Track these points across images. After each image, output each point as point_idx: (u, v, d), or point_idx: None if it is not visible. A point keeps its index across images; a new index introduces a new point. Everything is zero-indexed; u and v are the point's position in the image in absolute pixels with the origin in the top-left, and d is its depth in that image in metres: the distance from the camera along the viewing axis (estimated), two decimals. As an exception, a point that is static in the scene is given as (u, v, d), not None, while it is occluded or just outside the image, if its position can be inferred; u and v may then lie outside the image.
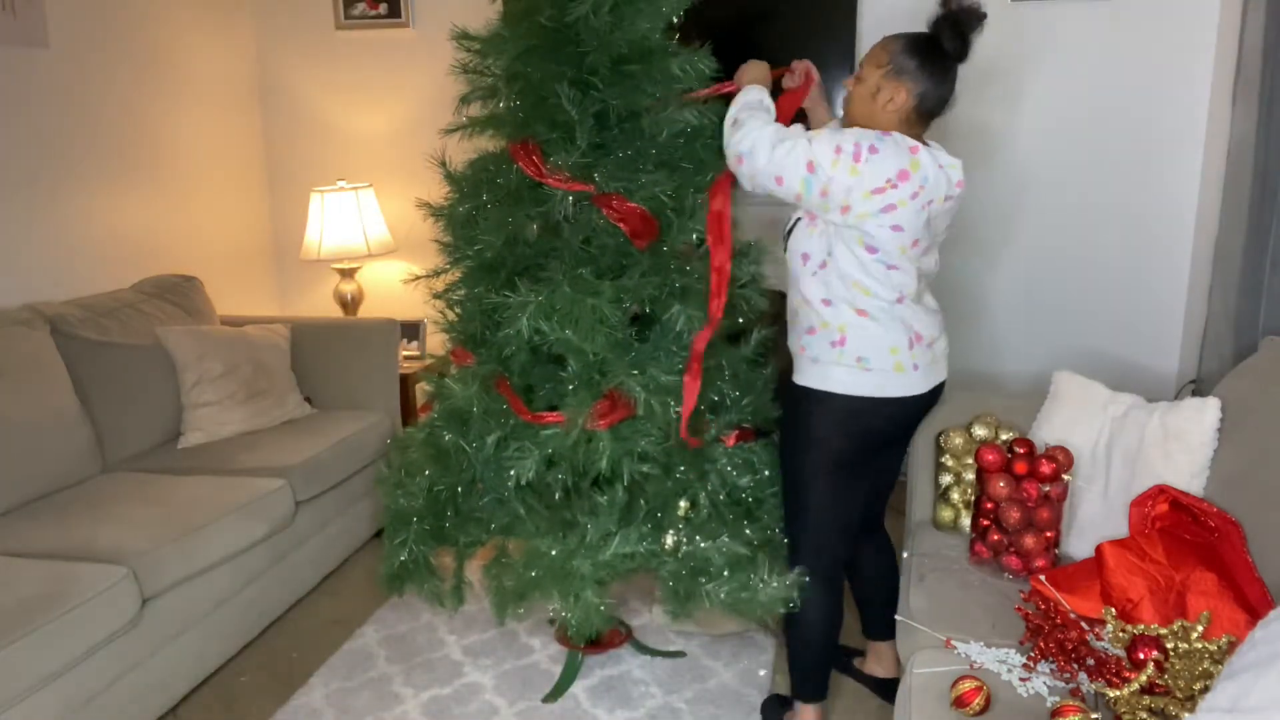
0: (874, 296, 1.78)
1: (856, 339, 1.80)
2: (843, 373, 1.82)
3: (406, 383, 3.29)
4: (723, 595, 1.86)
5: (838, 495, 1.91)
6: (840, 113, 2.08)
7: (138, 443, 2.73)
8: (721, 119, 1.89)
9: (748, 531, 1.98)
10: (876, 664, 2.26)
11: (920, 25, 3.31)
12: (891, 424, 1.90)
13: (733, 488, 1.99)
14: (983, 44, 3.30)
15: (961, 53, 1.82)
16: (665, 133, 1.91)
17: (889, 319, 1.79)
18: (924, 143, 1.80)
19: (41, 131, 2.81)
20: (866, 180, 1.71)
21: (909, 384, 1.83)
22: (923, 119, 1.82)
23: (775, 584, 1.88)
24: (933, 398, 1.91)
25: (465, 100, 2.01)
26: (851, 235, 1.76)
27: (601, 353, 1.82)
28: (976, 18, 1.81)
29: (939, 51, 1.80)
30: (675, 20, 1.93)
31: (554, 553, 1.85)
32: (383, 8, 3.58)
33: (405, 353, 3.47)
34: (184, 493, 2.37)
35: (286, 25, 3.70)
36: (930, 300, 1.94)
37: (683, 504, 1.96)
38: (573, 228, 1.92)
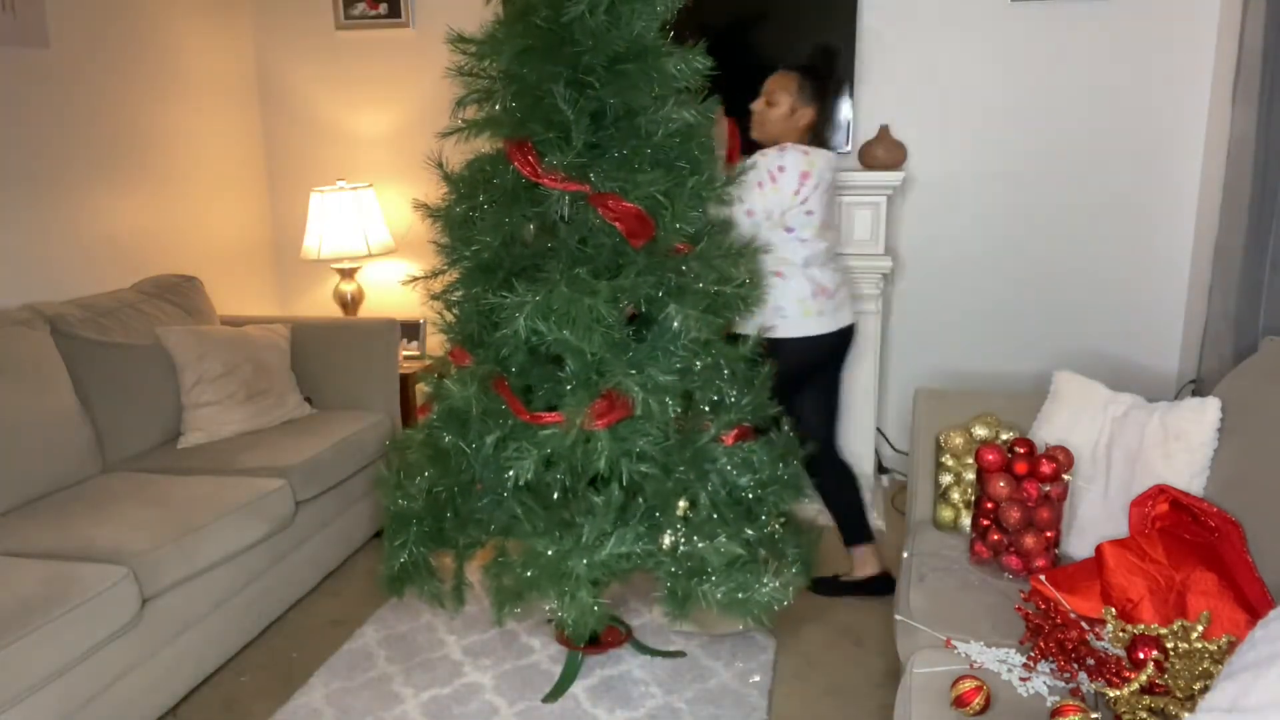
0: (787, 263, 2.45)
1: (775, 294, 2.45)
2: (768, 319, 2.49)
3: (406, 383, 3.29)
4: (719, 596, 1.86)
5: (798, 406, 2.57)
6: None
7: (138, 443, 2.73)
8: (711, 120, 2.08)
9: (748, 531, 1.98)
10: (862, 567, 2.66)
11: (917, 23, 3.33)
12: (811, 355, 2.53)
13: (732, 487, 1.99)
14: (983, 44, 3.31)
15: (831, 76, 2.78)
16: (661, 132, 1.91)
17: (798, 277, 2.45)
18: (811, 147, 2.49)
19: (41, 131, 2.81)
20: (785, 192, 2.39)
21: (817, 325, 2.49)
22: (813, 129, 2.53)
23: (773, 584, 1.88)
24: (845, 336, 2.56)
25: (461, 103, 2.02)
26: (776, 223, 2.43)
27: (599, 352, 1.82)
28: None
29: (821, 78, 2.63)
30: (670, 19, 1.94)
31: (550, 553, 1.85)
32: (383, 8, 3.58)
33: (405, 353, 3.47)
34: (184, 493, 2.37)
35: (286, 25, 3.70)
36: (834, 267, 2.55)
37: (681, 504, 1.96)
38: (569, 228, 1.92)
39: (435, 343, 2.42)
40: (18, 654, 1.73)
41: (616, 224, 1.87)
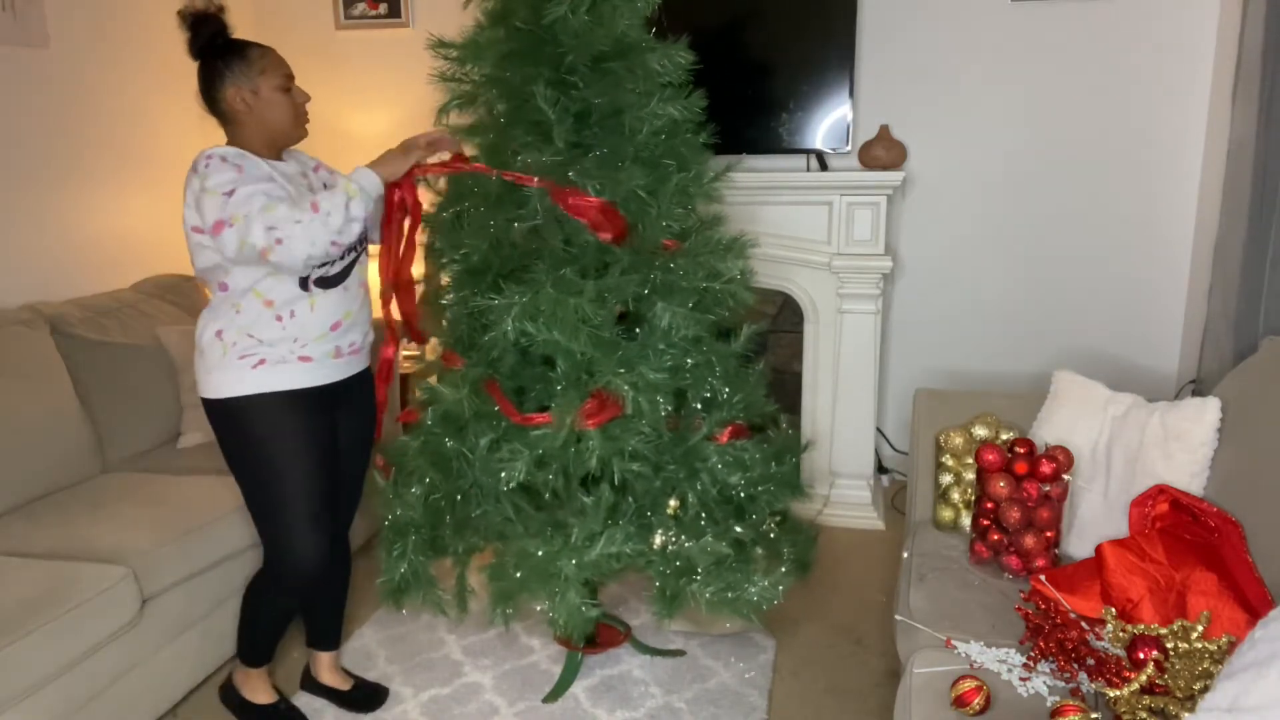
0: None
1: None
2: None
3: (406, 384, 3.29)
4: (708, 595, 1.86)
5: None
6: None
7: (138, 443, 2.72)
8: (697, 116, 1.98)
9: (738, 530, 1.97)
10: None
11: (917, 23, 3.32)
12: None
13: (723, 485, 1.99)
14: (983, 44, 3.31)
15: None
16: (645, 128, 1.90)
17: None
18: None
19: (41, 131, 2.81)
20: None
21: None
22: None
23: (762, 584, 1.88)
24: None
25: (444, 109, 2.02)
26: None
27: (588, 352, 1.82)
28: None
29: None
30: (654, 15, 1.93)
31: (540, 553, 1.85)
32: (383, 8, 3.58)
33: (404, 353, 3.47)
34: (184, 493, 2.37)
35: (286, 25, 3.70)
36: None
37: (672, 502, 1.95)
38: (552, 229, 1.92)
39: (433, 344, 2.42)
40: (18, 654, 1.73)
41: (580, 219, 1.87)
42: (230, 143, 1.91)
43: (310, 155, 2.13)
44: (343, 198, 1.80)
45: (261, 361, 1.87)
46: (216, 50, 1.88)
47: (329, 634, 2.26)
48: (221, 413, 1.91)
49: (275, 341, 1.87)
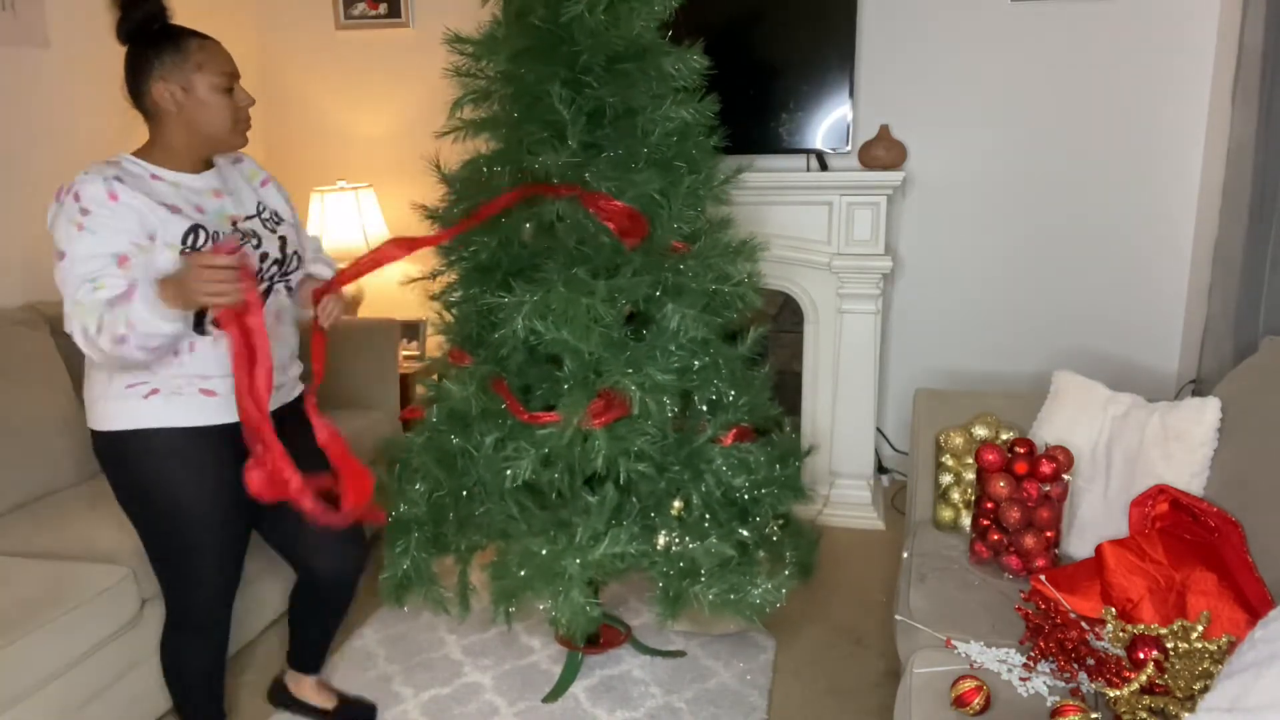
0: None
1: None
2: None
3: (406, 383, 3.29)
4: (711, 597, 1.86)
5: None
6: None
7: (138, 443, 2.72)
8: (709, 119, 1.97)
9: (743, 532, 1.98)
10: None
11: (917, 23, 3.31)
12: None
13: (727, 487, 1.99)
14: (983, 44, 3.31)
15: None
16: (658, 131, 1.91)
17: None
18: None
19: (42, 131, 2.80)
20: None
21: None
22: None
23: (765, 586, 1.88)
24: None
25: (459, 104, 2.02)
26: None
27: (597, 352, 1.82)
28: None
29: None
30: (668, 18, 1.94)
31: (544, 552, 1.85)
32: (383, 8, 3.58)
33: (405, 353, 3.47)
34: (184, 493, 2.37)
35: (286, 25, 3.70)
36: None
37: (676, 503, 1.96)
38: (566, 228, 1.92)
39: (435, 343, 2.42)
40: (18, 654, 1.73)
41: (608, 223, 1.87)
42: (149, 142, 1.69)
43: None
44: (116, 330, 1.48)
45: (154, 391, 1.63)
46: (150, 37, 1.63)
47: (313, 657, 2.14)
48: (111, 447, 1.66)
49: (171, 376, 1.63)
